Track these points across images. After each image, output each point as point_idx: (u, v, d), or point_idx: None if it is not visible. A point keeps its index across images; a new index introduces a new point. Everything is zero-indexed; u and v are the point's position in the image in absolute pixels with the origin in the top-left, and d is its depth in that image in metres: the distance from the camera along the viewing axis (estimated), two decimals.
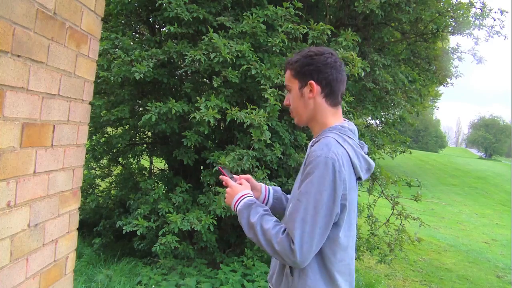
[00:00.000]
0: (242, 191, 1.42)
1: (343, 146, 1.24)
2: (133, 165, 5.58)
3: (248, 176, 1.56)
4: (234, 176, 1.54)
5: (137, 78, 3.51)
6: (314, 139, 1.35)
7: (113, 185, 5.71)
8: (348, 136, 1.30)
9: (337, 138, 1.27)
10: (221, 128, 4.49)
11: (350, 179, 1.24)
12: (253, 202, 1.36)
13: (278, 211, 1.59)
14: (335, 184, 1.17)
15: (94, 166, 5.37)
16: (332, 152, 1.19)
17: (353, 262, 1.38)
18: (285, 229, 1.22)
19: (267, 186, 1.60)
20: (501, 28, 4.97)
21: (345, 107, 3.77)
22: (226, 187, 1.47)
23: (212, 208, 3.57)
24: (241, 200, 1.38)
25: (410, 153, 6.10)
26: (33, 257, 1.23)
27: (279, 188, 1.64)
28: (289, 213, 1.25)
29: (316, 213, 1.17)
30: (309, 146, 1.37)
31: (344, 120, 1.38)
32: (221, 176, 1.52)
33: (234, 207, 1.39)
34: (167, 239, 3.49)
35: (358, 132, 1.39)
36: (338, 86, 1.34)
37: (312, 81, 1.31)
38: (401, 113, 5.55)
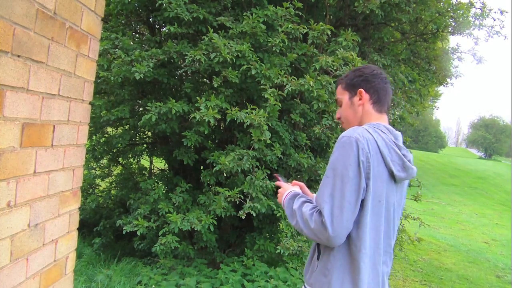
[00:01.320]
0: (291, 188, 1.55)
1: (371, 134, 1.31)
2: (133, 165, 5.58)
3: (302, 184, 1.67)
4: (288, 183, 1.67)
5: (137, 78, 3.51)
6: None
7: (113, 185, 5.71)
8: (381, 131, 1.37)
9: (367, 128, 1.35)
10: (221, 128, 4.50)
11: (378, 166, 1.29)
12: (298, 193, 1.48)
13: None
14: (359, 159, 1.24)
15: (94, 166, 5.38)
16: (356, 133, 1.28)
17: (382, 268, 1.37)
18: (319, 209, 1.29)
19: None
20: (501, 28, 4.97)
21: None
22: (278, 188, 1.59)
23: (212, 208, 3.57)
24: (288, 193, 1.50)
25: (410, 153, 6.09)
26: (33, 257, 1.23)
27: None
28: (318, 191, 1.33)
29: (343, 187, 1.24)
30: None
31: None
32: (276, 182, 1.66)
33: (283, 201, 1.50)
34: (167, 239, 3.49)
35: (400, 138, 1.45)
36: (384, 95, 1.47)
37: (361, 89, 1.45)
38: (401, 113, 5.55)
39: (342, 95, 1.52)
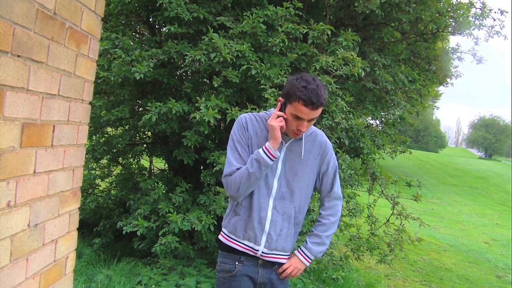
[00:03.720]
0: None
1: None
2: (133, 165, 5.58)
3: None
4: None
5: (138, 78, 3.51)
6: (305, 133, 1.74)
7: (113, 185, 5.70)
8: None
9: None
10: (221, 128, 4.49)
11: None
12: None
13: None
14: None
15: (94, 166, 5.36)
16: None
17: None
18: None
19: None
20: (501, 28, 4.96)
21: (345, 107, 3.77)
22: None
23: (213, 208, 3.57)
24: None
25: (410, 153, 6.09)
26: (33, 257, 1.23)
27: None
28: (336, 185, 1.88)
29: None
30: (303, 136, 1.75)
31: None
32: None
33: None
34: (167, 239, 3.49)
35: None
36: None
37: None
38: (401, 113, 5.55)
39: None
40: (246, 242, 1.75)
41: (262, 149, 1.65)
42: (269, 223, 1.73)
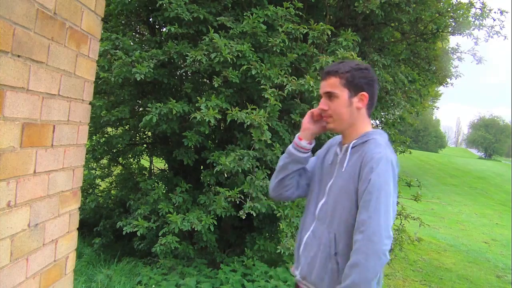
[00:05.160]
0: None
1: (389, 148, 1.41)
2: (133, 165, 5.58)
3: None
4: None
5: (138, 79, 3.51)
6: (355, 141, 1.45)
7: (113, 185, 5.70)
8: (387, 140, 1.47)
9: (383, 140, 1.44)
10: (221, 128, 4.49)
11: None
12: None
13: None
14: (395, 177, 1.35)
15: (94, 166, 5.37)
16: (387, 150, 1.37)
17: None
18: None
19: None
20: (501, 28, 4.96)
21: None
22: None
23: (212, 208, 3.57)
24: None
25: (410, 153, 6.09)
26: (33, 257, 1.23)
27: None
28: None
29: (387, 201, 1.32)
30: (348, 147, 1.46)
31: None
32: None
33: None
34: (167, 239, 3.49)
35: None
36: (376, 100, 1.53)
37: (364, 93, 1.45)
38: (401, 113, 5.55)
39: (340, 90, 1.44)
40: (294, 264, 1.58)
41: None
42: (303, 246, 1.51)
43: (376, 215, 1.27)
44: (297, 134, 1.57)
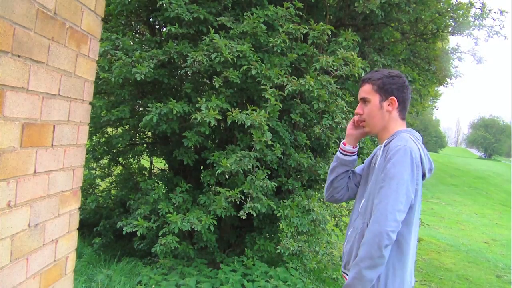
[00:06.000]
0: None
1: (415, 142, 1.50)
2: (133, 165, 5.58)
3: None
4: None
5: (138, 79, 3.51)
6: (387, 140, 1.57)
7: (113, 185, 5.70)
8: (416, 137, 1.57)
9: (410, 136, 1.53)
10: (221, 128, 4.49)
11: (420, 171, 1.47)
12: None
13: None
14: (413, 168, 1.42)
15: (94, 166, 5.37)
16: (409, 143, 1.46)
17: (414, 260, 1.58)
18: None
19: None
20: (500, 29, 4.97)
21: (345, 107, 3.77)
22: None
23: (212, 208, 3.57)
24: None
25: None
26: (33, 257, 1.23)
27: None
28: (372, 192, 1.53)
29: (398, 189, 1.40)
30: (382, 146, 1.58)
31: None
32: None
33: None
34: (167, 239, 3.49)
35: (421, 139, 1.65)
36: (408, 104, 1.65)
37: (394, 98, 1.59)
38: None
39: (372, 96, 1.60)
40: None
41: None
42: (346, 240, 1.64)
43: (385, 200, 1.40)
44: (343, 140, 1.76)
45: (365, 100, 1.62)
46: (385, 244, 1.36)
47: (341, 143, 1.76)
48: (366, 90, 1.62)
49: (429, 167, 1.55)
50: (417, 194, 1.46)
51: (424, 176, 1.52)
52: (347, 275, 1.56)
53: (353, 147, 1.73)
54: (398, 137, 1.50)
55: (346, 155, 1.73)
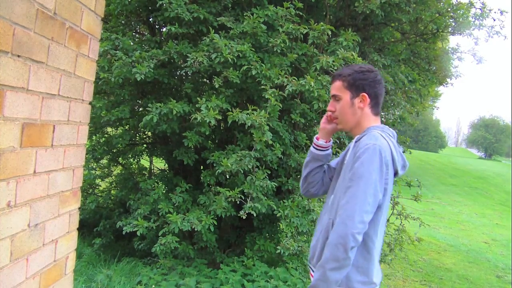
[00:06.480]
0: None
1: (386, 140, 1.46)
2: (133, 165, 5.57)
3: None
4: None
5: (138, 79, 3.51)
6: (358, 136, 1.54)
7: (113, 185, 5.70)
8: (388, 134, 1.53)
9: (381, 133, 1.49)
10: (221, 128, 4.49)
11: (391, 170, 1.44)
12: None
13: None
14: (381, 167, 1.38)
15: (94, 166, 5.37)
16: (379, 141, 1.41)
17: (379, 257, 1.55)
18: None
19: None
20: (501, 28, 4.96)
21: None
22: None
23: (213, 208, 3.57)
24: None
25: (410, 153, 6.09)
26: (33, 257, 1.23)
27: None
28: (339, 192, 1.49)
29: (366, 189, 1.37)
30: (353, 142, 1.55)
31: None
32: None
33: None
34: (167, 239, 3.49)
35: (396, 137, 1.62)
36: (381, 99, 1.61)
37: (365, 94, 1.55)
38: (401, 113, 5.55)
39: (343, 93, 1.57)
40: None
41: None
42: (314, 235, 1.64)
43: (352, 200, 1.37)
44: (316, 135, 1.74)
45: (336, 97, 1.59)
46: (351, 246, 1.33)
47: (315, 137, 1.74)
48: (337, 87, 1.58)
49: (402, 164, 1.52)
50: (386, 194, 1.42)
51: (396, 173, 1.50)
52: (313, 270, 1.55)
53: (326, 142, 1.71)
54: (368, 135, 1.46)
55: (319, 149, 1.71)
